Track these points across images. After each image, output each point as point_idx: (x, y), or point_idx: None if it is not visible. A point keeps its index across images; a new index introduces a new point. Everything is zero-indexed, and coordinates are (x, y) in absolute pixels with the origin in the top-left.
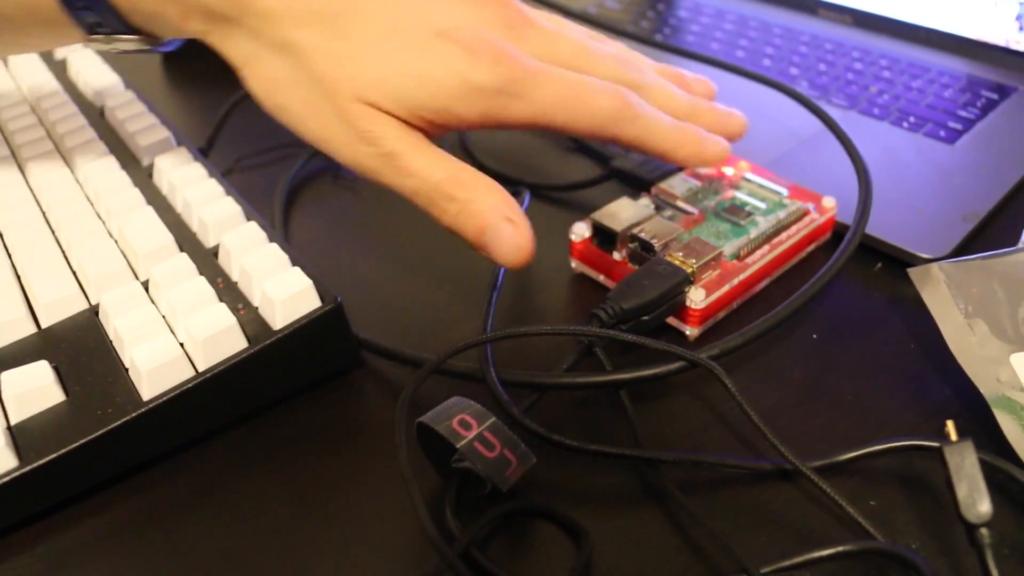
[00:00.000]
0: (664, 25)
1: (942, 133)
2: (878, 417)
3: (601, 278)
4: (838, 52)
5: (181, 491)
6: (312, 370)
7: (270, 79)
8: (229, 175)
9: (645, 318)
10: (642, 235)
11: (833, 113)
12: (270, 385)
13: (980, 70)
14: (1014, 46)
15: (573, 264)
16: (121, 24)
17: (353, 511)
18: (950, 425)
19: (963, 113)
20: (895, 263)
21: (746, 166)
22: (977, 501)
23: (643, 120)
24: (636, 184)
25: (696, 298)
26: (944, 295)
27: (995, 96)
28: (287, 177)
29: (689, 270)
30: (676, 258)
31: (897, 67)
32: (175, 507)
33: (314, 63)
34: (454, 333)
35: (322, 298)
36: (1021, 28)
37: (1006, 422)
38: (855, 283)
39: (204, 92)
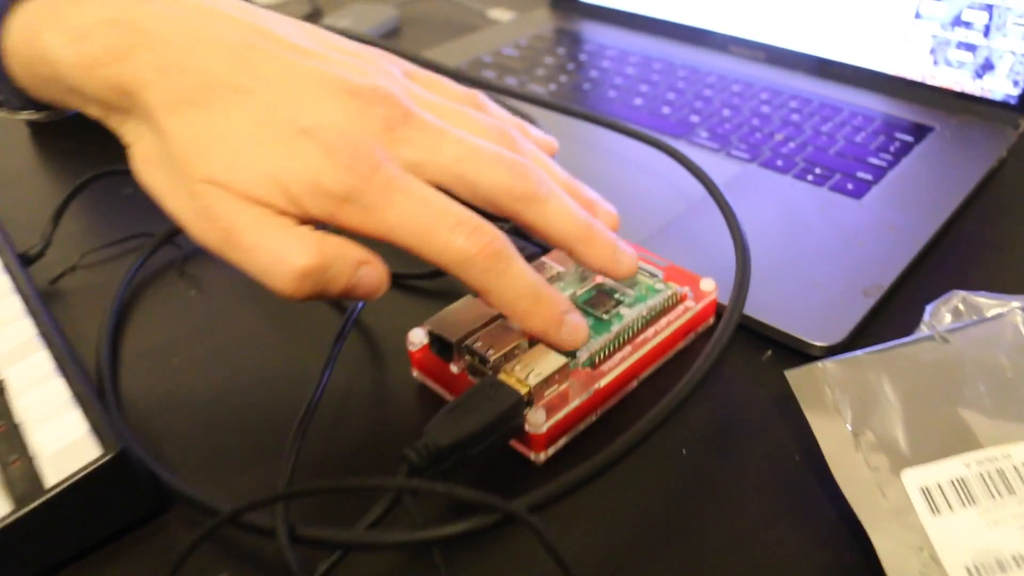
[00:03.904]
0: (561, 72)
1: (849, 186)
2: (750, 557)
3: (443, 391)
4: (745, 94)
5: None
6: (100, 525)
7: (144, 158)
8: (72, 272)
9: (472, 452)
10: (477, 347)
11: (732, 168)
12: (49, 548)
13: (896, 108)
14: (930, 81)
15: (415, 374)
16: (29, 102)
17: None
18: None
19: (874, 160)
20: (786, 350)
21: None
22: None
23: (496, 275)
24: None
25: (535, 421)
26: (827, 402)
27: (910, 139)
28: (125, 275)
29: (524, 390)
30: (512, 375)
31: (808, 108)
32: None
33: (175, 146)
34: (279, 464)
35: (104, 444)
36: (936, 62)
37: (889, 557)
38: (740, 376)
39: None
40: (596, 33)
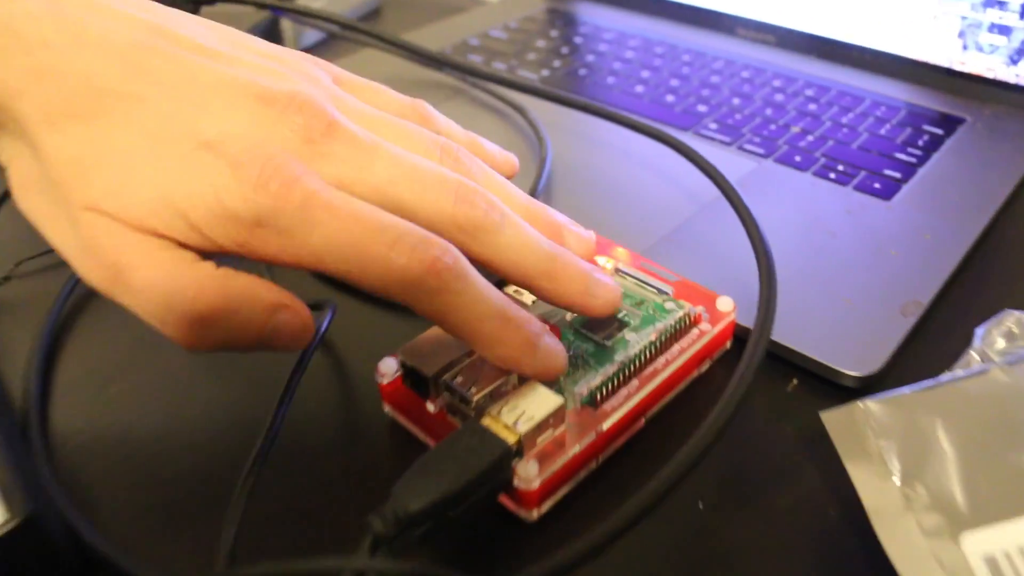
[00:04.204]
0: (555, 56)
1: (877, 185)
2: None
3: (418, 432)
4: (756, 81)
5: None
6: None
7: (23, 181)
8: (6, 283)
9: (451, 513)
10: (456, 383)
11: (745, 164)
12: None
13: (922, 97)
14: (958, 67)
15: (386, 409)
16: None
17: None
18: None
19: (902, 156)
20: (813, 378)
21: (624, 255)
22: None
23: (451, 296)
24: None
25: (526, 475)
26: (870, 450)
27: (940, 131)
28: (64, 286)
29: (513, 439)
30: (498, 420)
31: (825, 97)
32: None
33: (54, 167)
34: (226, 520)
35: (10, 508)
36: (965, 47)
37: None
38: (762, 410)
39: None
40: (592, 14)
